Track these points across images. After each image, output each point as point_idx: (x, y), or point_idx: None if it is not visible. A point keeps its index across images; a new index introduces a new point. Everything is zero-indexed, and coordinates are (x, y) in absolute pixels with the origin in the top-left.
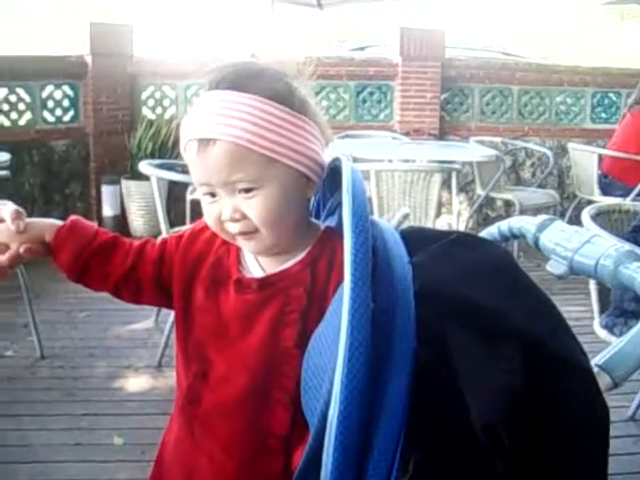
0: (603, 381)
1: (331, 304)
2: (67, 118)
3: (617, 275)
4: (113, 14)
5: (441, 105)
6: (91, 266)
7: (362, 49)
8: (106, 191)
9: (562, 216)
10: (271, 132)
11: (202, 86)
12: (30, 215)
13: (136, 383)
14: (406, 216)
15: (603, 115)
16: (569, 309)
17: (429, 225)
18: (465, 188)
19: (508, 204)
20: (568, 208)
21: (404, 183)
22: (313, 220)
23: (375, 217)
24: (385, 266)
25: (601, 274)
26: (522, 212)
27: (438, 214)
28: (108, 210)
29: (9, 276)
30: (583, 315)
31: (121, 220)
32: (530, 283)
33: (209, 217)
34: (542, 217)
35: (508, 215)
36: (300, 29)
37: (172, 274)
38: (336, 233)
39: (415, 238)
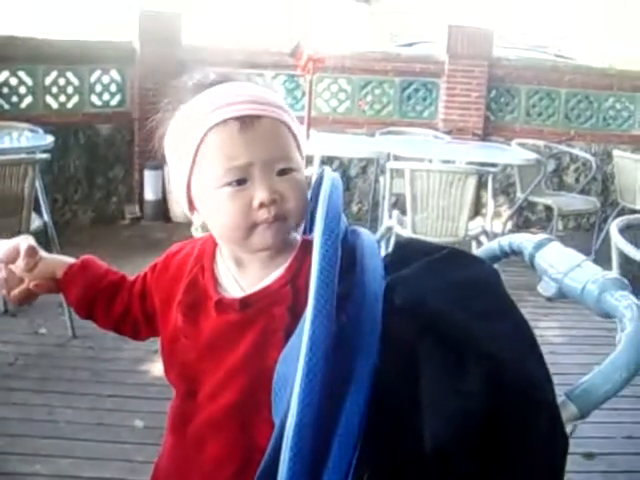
0: (570, 411)
1: (303, 315)
2: (114, 102)
3: (600, 302)
4: (162, 0)
5: (486, 105)
6: (95, 307)
7: (410, 45)
8: (149, 176)
9: (604, 222)
10: (295, 119)
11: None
12: (73, 197)
13: (161, 368)
14: (389, 229)
15: None
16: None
17: (462, 226)
18: (507, 190)
19: (549, 208)
20: (610, 215)
21: (439, 183)
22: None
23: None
24: (358, 281)
25: (586, 299)
26: (561, 217)
27: (473, 216)
28: (150, 194)
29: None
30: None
31: (162, 205)
32: (510, 306)
33: (234, 208)
34: (540, 236)
35: (548, 219)
36: (351, 22)
37: (153, 304)
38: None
39: (410, 250)
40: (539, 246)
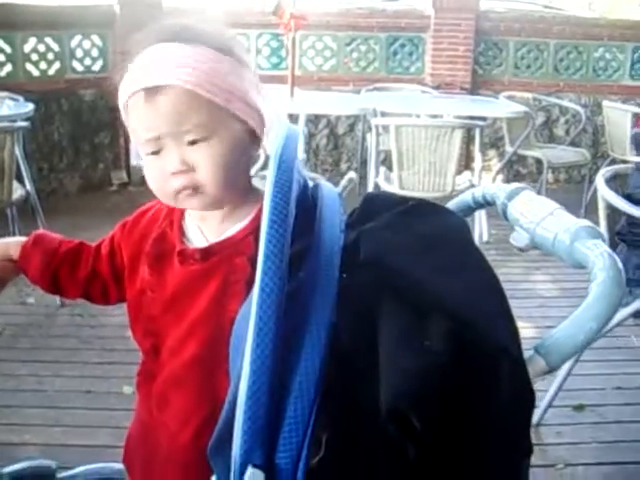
0: (538, 365)
1: None
2: (96, 68)
3: (572, 251)
4: None
5: (474, 58)
6: (60, 276)
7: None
8: None
9: (595, 174)
10: (221, 80)
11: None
12: (59, 165)
13: None
14: (350, 181)
15: None
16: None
17: (449, 181)
18: (496, 144)
19: (539, 161)
20: (601, 167)
21: (425, 138)
22: (257, 185)
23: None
24: (315, 236)
25: (558, 249)
26: (552, 170)
27: (460, 170)
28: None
29: None
30: None
31: None
32: (479, 260)
33: (152, 175)
34: (513, 185)
35: (539, 172)
36: None
37: (123, 262)
38: None
39: (378, 203)
40: (511, 195)
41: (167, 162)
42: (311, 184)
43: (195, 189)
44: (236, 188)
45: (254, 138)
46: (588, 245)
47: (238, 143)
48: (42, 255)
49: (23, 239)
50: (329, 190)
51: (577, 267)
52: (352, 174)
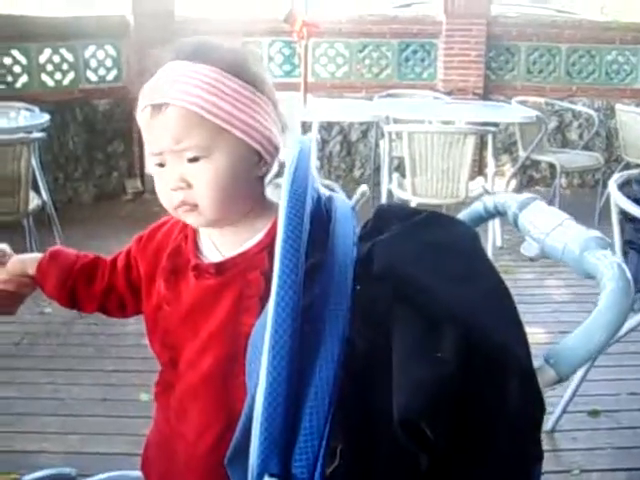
0: (548, 375)
1: None
2: (110, 77)
3: (581, 261)
4: None
5: (486, 64)
6: (77, 291)
7: (408, 6)
8: None
9: (609, 179)
10: (225, 102)
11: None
12: (74, 174)
13: None
14: (363, 194)
15: None
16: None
17: (462, 187)
18: (510, 149)
19: (552, 166)
20: (615, 171)
21: (438, 145)
22: (271, 195)
23: (336, 192)
24: (329, 249)
25: (567, 259)
26: (565, 175)
27: (473, 176)
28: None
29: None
30: None
31: None
32: (488, 269)
33: (158, 188)
34: (524, 195)
35: (552, 177)
36: None
37: (139, 276)
38: None
39: (390, 215)
40: (522, 206)
41: (168, 177)
42: (326, 194)
43: (193, 206)
44: (235, 209)
45: (261, 158)
46: (597, 255)
47: (240, 165)
48: (58, 271)
49: (39, 255)
50: (342, 204)
51: (586, 277)
52: (364, 187)
